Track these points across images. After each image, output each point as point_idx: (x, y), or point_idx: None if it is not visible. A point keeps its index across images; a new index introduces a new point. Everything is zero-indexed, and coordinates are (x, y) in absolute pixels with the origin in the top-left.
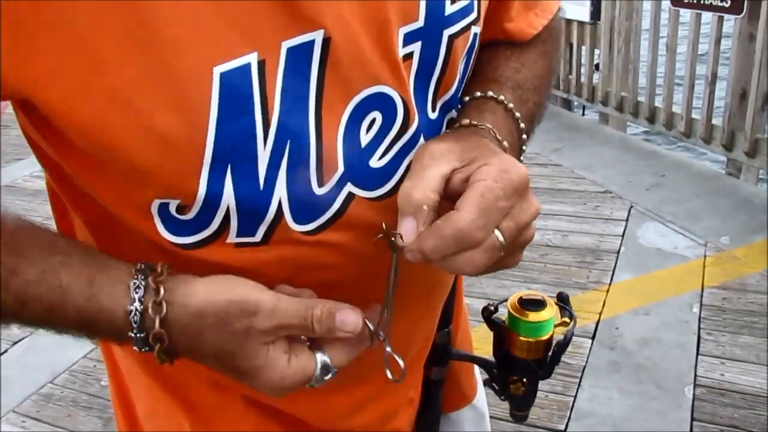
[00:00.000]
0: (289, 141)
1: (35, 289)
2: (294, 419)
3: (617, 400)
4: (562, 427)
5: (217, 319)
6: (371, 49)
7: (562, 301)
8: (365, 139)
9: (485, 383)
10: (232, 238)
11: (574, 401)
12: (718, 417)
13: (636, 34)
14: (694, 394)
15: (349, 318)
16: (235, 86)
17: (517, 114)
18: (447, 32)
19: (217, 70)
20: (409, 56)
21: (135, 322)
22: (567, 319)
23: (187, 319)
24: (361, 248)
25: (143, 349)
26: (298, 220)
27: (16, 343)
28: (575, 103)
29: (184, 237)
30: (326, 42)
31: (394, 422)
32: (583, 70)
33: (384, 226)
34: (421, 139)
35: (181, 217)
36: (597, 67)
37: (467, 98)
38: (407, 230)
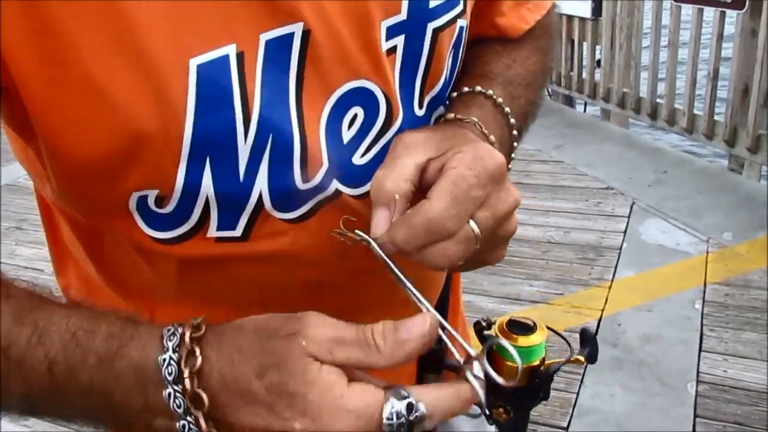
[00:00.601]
0: (271, 135)
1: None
2: None
3: (620, 397)
4: (565, 424)
5: (256, 331)
6: (352, 43)
7: (586, 338)
8: (347, 135)
9: (475, 404)
10: (212, 232)
11: (576, 398)
12: (721, 413)
13: (638, 30)
14: (696, 391)
15: (414, 321)
16: (213, 79)
17: (507, 109)
18: (431, 25)
19: (194, 62)
20: (392, 50)
21: (170, 341)
22: (581, 358)
23: (225, 336)
24: (346, 245)
25: (172, 393)
26: (280, 208)
27: None
28: (577, 100)
29: (165, 232)
30: (306, 35)
31: None
32: (584, 66)
33: (342, 224)
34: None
35: (160, 211)
36: (599, 63)
37: (455, 94)
38: (379, 221)
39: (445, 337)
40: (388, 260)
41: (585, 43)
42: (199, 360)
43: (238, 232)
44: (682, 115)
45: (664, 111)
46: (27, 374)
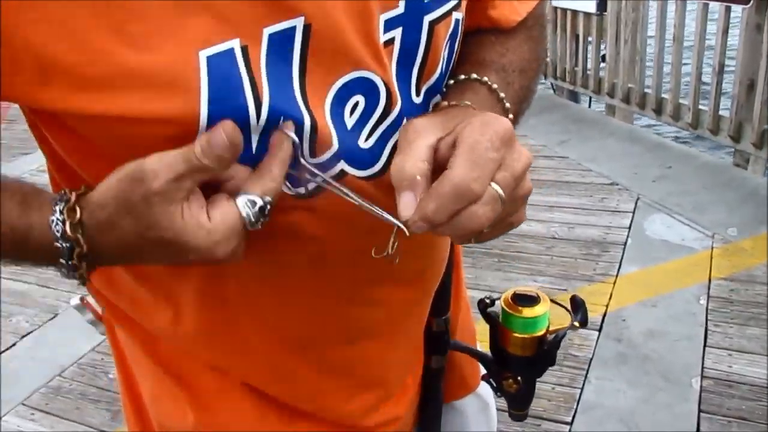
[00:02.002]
0: (281, 118)
1: None
2: (289, 405)
3: (624, 392)
4: (569, 420)
5: (116, 201)
6: (352, 35)
7: (576, 304)
8: (350, 121)
9: (483, 378)
10: None
11: (580, 393)
12: (726, 409)
13: (642, 26)
14: (701, 386)
15: (216, 133)
16: (222, 69)
17: (502, 94)
18: (427, 18)
19: (203, 54)
20: (390, 42)
21: (58, 231)
22: (577, 323)
23: (95, 213)
24: (352, 220)
25: (71, 265)
26: (291, 182)
27: (24, 336)
28: (581, 95)
29: None
30: (307, 28)
31: (388, 407)
32: (589, 61)
33: (373, 251)
34: (404, 122)
35: None
36: (603, 58)
37: (451, 82)
38: (406, 203)
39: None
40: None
41: (590, 39)
42: (78, 214)
43: None
44: (687, 111)
45: (669, 106)
46: None
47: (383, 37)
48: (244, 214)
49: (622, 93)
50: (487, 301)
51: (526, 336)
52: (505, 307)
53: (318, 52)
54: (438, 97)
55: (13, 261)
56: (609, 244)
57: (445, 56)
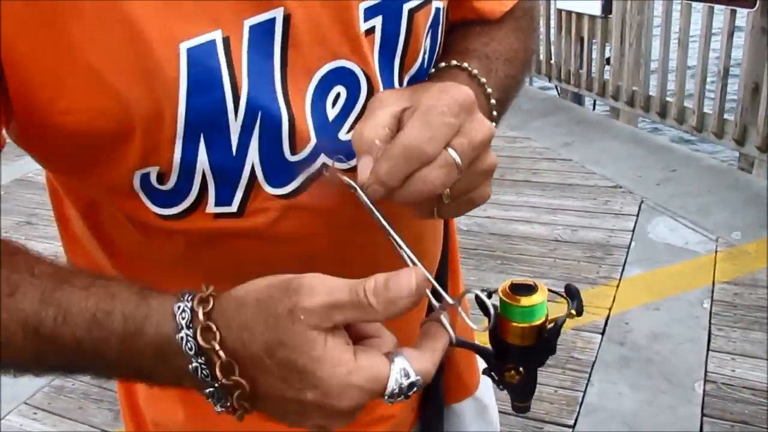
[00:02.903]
0: (260, 112)
1: (82, 300)
2: None
3: (627, 395)
4: (572, 422)
5: (257, 304)
6: (330, 25)
7: (571, 294)
8: (332, 113)
9: (484, 372)
10: (211, 207)
11: (583, 396)
12: (729, 413)
13: (647, 28)
14: (704, 390)
15: (401, 277)
16: (202, 61)
17: (483, 79)
18: (407, 6)
19: (184, 46)
20: (371, 31)
21: (183, 318)
22: (574, 311)
23: (230, 310)
24: (334, 214)
25: (198, 367)
26: (272, 183)
27: None
28: (586, 98)
29: (169, 208)
30: (287, 19)
31: (382, 405)
32: (594, 64)
33: (325, 172)
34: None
35: (162, 188)
36: (608, 61)
37: (432, 70)
38: (363, 167)
39: (429, 294)
40: (371, 206)
41: (594, 41)
42: (218, 335)
43: (234, 208)
44: (692, 114)
45: (674, 109)
46: (59, 349)
47: (364, 26)
48: (393, 379)
49: (627, 95)
50: (485, 293)
51: (525, 325)
52: (503, 297)
53: (298, 43)
54: None
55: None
56: (612, 247)
57: (427, 46)
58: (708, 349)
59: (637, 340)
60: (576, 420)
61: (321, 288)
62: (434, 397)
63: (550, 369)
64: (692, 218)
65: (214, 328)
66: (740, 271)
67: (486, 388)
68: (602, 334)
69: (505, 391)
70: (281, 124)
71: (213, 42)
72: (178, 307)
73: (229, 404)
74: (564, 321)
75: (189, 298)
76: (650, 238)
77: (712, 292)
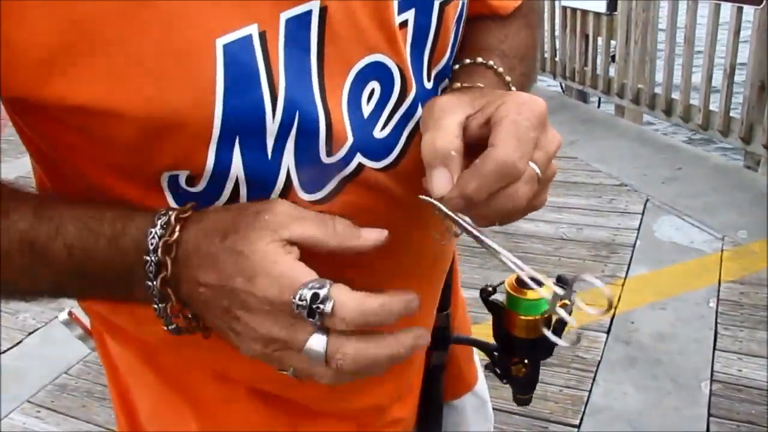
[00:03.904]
0: (297, 112)
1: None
2: (299, 406)
3: (632, 395)
4: (577, 422)
5: (235, 208)
6: (367, 18)
7: (563, 282)
8: (367, 109)
9: (486, 368)
10: None
11: (588, 396)
12: (735, 413)
13: (653, 26)
14: (710, 390)
15: (372, 231)
16: (239, 59)
17: (508, 78)
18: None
19: (220, 42)
20: (404, 24)
21: (159, 219)
22: (568, 302)
23: (205, 213)
24: (369, 218)
25: (151, 277)
26: (306, 189)
27: (30, 333)
28: (591, 96)
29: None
30: (323, 12)
31: (395, 408)
32: (599, 61)
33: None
34: (419, 110)
35: (192, 190)
36: (613, 58)
37: (456, 66)
38: (440, 179)
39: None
40: (459, 219)
41: (600, 39)
42: (177, 233)
43: None
44: (698, 112)
45: (680, 107)
46: (51, 261)
47: (397, 19)
48: (306, 287)
49: (632, 93)
50: (489, 289)
51: (530, 318)
52: (510, 291)
53: (334, 37)
54: (446, 82)
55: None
56: (618, 246)
57: (452, 40)
58: (714, 349)
59: (643, 340)
60: (581, 420)
61: (293, 205)
62: (434, 399)
63: (555, 368)
64: (698, 217)
65: (176, 227)
66: (747, 270)
67: (483, 383)
68: (608, 333)
69: (504, 383)
70: (318, 124)
71: (249, 37)
72: (160, 211)
73: (164, 304)
74: (571, 311)
75: (174, 209)
76: (656, 237)
77: (719, 291)
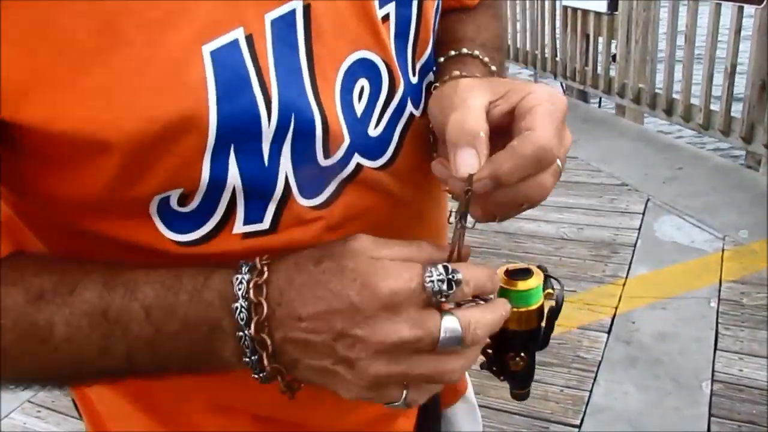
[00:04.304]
0: (293, 114)
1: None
2: (305, 430)
3: (633, 395)
4: (578, 422)
5: (308, 250)
6: (350, 13)
7: (545, 271)
8: (359, 108)
9: (482, 367)
10: (239, 227)
11: (589, 396)
12: (736, 413)
13: (654, 25)
14: (711, 390)
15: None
16: (227, 64)
17: (494, 68)
18: None
19: (207, 49)
20: (386, 18)
21: (239, 290)
22: (551, 290)
23: (283, 267)
24: (368, 221)
25: (239, 307)
26: (306, 194)
27: None
28: (591, 95)
29: (188, 233)
30: (306, 10)
31: (402, 421)
32: (599, 61)
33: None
34: (409, 105)
35: (183, 210)
36: (614, 58)
37: (442, 59)
38: (466, 159)
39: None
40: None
41: (600, 38)
42: (266, 274)
43: (266, 224)
44: (698, 111)
45: (680, 107)
46: (126, 327)
47: (380, 13)
48: (428, 268)
49: (633, 93)
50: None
51: (523, 309)
52: (502, 284)
53: (321, 34)
54: (431, 75)
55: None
56: (618, 246)
57: (432, 33)
58: (715, 349)
59: (644, 340)
60: (582, 420)
61: (368, 236)
62: (432, 405)
63: (556, 368)
64: (699, 216)
65: (263, 268)
66: (747, 270)
67: (470, 387)
68: (608, 333)
69: (501, 380)
70: (315, 125)
71: (236, 42)
72: (245, 260)
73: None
74: (563, 298)
75: (254, 258)
76: (657, 237)
77: (719, 291)
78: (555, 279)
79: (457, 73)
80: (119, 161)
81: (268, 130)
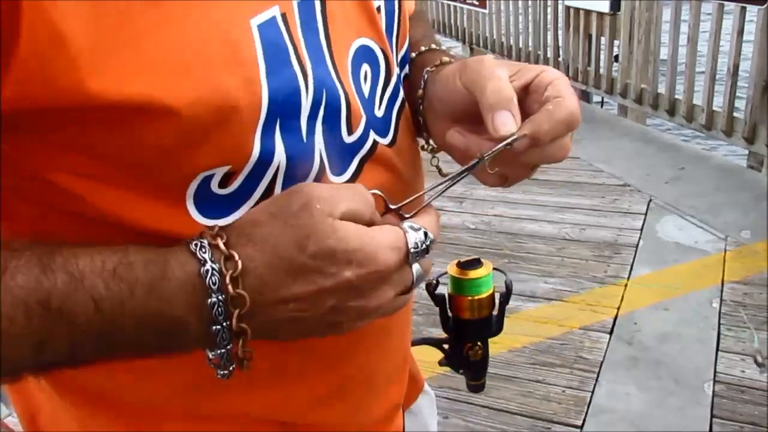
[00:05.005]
0: (324, 90)
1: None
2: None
3: (635, 396)
4: (579, 423)
5: (271, 215)
6: (353, 4)
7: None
8: (366, 90)
9: (440, 363)
10: None
11: (591, 397)
12: (738, 414)
13: (657, 25)
14: (713, 391)
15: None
16: (271, 38)
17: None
18: None
19: (254, 23)
20: (378, 10)
21: (203, 252)
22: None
23: (246, 232)
24: (392, 195)
25: (216, 302)
26: (334, 171)
27: None
28: (594, 95)
29: (221, 218)
30: None
31: (398, 417)
32: (602, 61)
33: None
34: (401, 91)
35: (222, 192)
36: (616, 58)
37: (413, 54)
38: (506, 120)
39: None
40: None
41: (603, 38)
42: (240, 262)
43: None
44: (701, 112)
45: (683, 107)
46: (71, 320)
47: (374, 4)
48: (410, 235)
49: (635, 93)
50: (434, 282)
51: (477, 297)
52: (455, 275)
53: (333, 20)
54: (407, 68)
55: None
56: (621, 246)
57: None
58: (717, 350)
59: (646, 340)
60: (584, 420)
61: (322, 185)
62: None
63: (558, 369)
64: (701, 217)
65: (237, 258)
66: (750, 271)
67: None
68: (610, 333)
69: (460, 373)
70: (340, 101)
71: (274, 18)
72: (195, 245)
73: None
74: (511, 282)
75: (201, 237)
76: (659, 237)
77: (722, 291)
78: (501, 271)
79: (446, 59)
80: (179, 129)
81: (306, 105)
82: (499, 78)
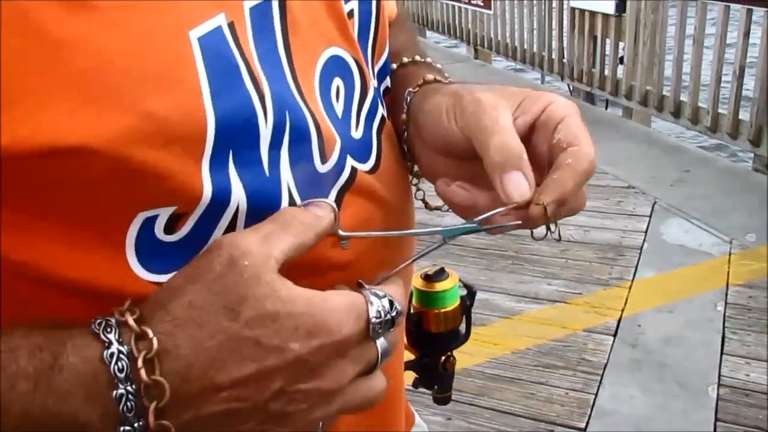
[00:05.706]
0: (287, 113)
1: None
2: None
3: (639, 398)
4: (583, 425)
5: (190, 281)
6: (321, 7)
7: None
8: (338, 108)
9: (414, 385)
10: None
11: (595, 399)
12: (743, 418)
13: (662, 27)
14: (718, 394)
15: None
16: (216, 51)
17: (447, 75)
18: None
19: (194, 35)
20: (350, 15)
21: (108, 332)
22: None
23: (163, 304)
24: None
25: (124, 394)
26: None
27: None
28: (598, 97)
29: (168, 272)
30: (282, 1)
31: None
32: (607, 63)
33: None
34: (380, 106)
35: (169, 238)
36: (621, 60)
37: (395, 65)
38: (520, 184)
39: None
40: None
41: (608, 40)
42: (155, 340)
43: None
44: (706, 114)
45: (688, 109)
46: None
47: (345, 8)
48: (371, 301)
49: (640, 95)
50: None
51: (445, 309)
52: (421, 288)
53: (296, 27)
54: (387, 80)
55: None
56: (625, 248)
57: (387, 38)
58: (722, 353)
59: (650, 343)
60: (587, 423)
61: (245, 232)
62: None
63: (562, 371)
64: (706, 220)
65: (151, 335)
66: (755, 274)
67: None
68: (614, 336)
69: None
70: (308, 124)
71: (219, 28)
72: (100, 323)
73: None
74: (476, 290)
75: (109, 315)
76: (663, 240)
77: (726, 294)
78: (462, 282)
79: (430, 77)
80: (104, 167)
81: (266, 131)
82: (503, 129)
